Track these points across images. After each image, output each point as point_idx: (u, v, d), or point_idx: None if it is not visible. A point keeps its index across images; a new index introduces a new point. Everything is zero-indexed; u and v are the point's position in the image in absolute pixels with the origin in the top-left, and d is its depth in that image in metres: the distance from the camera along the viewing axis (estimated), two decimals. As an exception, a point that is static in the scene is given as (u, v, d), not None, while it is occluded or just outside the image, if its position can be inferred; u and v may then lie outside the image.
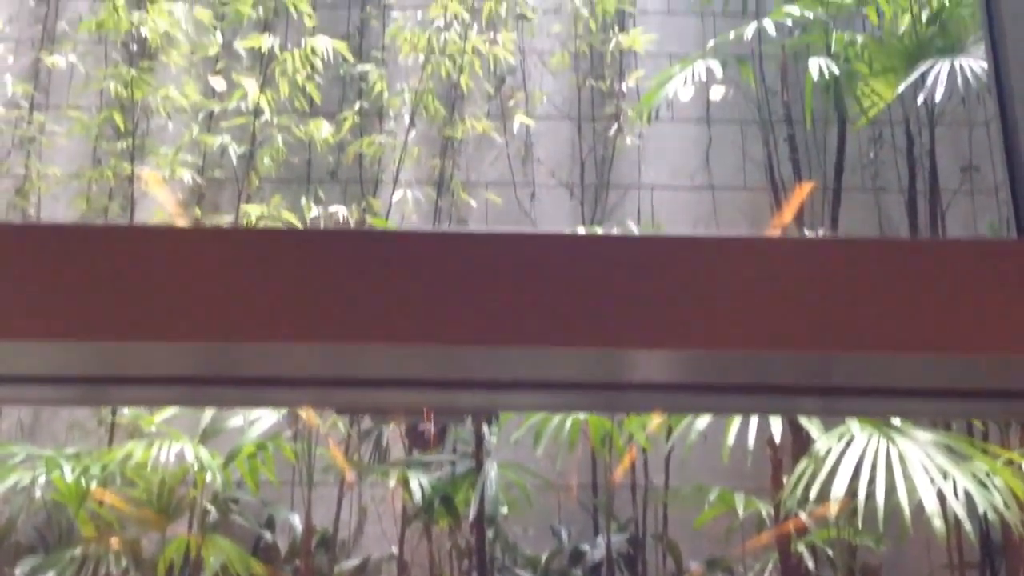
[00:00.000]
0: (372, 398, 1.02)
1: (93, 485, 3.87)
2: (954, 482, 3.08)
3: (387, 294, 0.81)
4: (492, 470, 3.91)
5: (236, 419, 3.85)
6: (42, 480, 3.81)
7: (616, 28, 5.37)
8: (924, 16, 4.56)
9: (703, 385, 0.98)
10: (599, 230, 4.28)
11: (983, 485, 3.13)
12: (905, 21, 4.65)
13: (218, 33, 5.14)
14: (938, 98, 4.01)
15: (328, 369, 0.92)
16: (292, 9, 5.12)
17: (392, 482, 4.23)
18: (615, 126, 5.28)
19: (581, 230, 4.23)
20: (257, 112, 4.95)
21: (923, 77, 4.09)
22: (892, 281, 0.82)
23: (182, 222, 5.02)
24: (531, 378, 0.95)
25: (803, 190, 5.02)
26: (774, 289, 0.82)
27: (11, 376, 0.90)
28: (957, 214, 4.87)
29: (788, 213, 5.00)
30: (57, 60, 4.97)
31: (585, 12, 5.39)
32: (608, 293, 0.82)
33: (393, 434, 4.37)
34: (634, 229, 4.36)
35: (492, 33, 5.20)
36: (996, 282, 0.82)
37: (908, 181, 4.71)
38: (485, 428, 3.91)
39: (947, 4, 4.46)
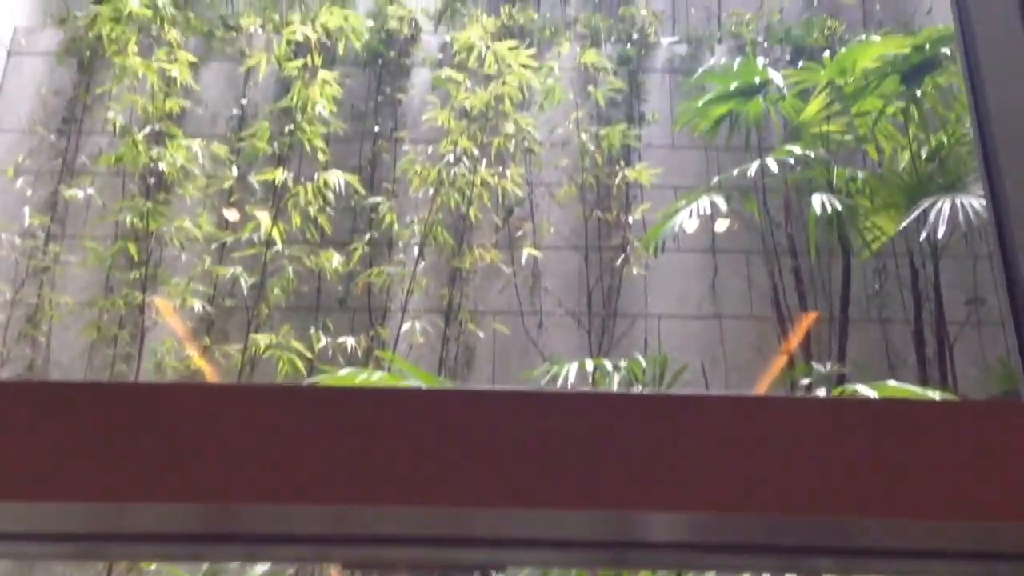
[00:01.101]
0: (380, 554, 0.99)
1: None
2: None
3: (393, 454, 0.80)
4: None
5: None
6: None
7: (622, 162, 5.50)
8: (923, 153, 4.66)
9: (714, 545, 0.96)
10: (607, 362, 4.27)
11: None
12: (905, 158, 4.75)
13: (234, 167, 5.27)
14: (940, 235, 4.06)
15: (333, 527, 0.91)
16: (306, 144, 5.26)
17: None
18: (622, 257, 5.34)
19: (589, 363, 4.21)
20: (269, 243, 5.03)
21: (925, 213, 4.15)
22: (905, 444, 0.81)
23: (191, 351, 5.03)
24: (539, 536, 0.93)
25: (809, 320, 5.02)
26: (784, 450, 0.82)
27: (6, 533, 0.89)
28: (965, 347, 4.86)
29: (794, 343, 5.00)
30: (75, 193, 5.09)
31: (591, 146, 5.53)
32: (616, 453, 0.81)
33: None
34: (641, 361, 4.34)
35: (500, 167, 5.32)
36: (1011, 445, 0.81)
37: (914, 313, 4.72)
38: None
39: (945, 142, 4.57)
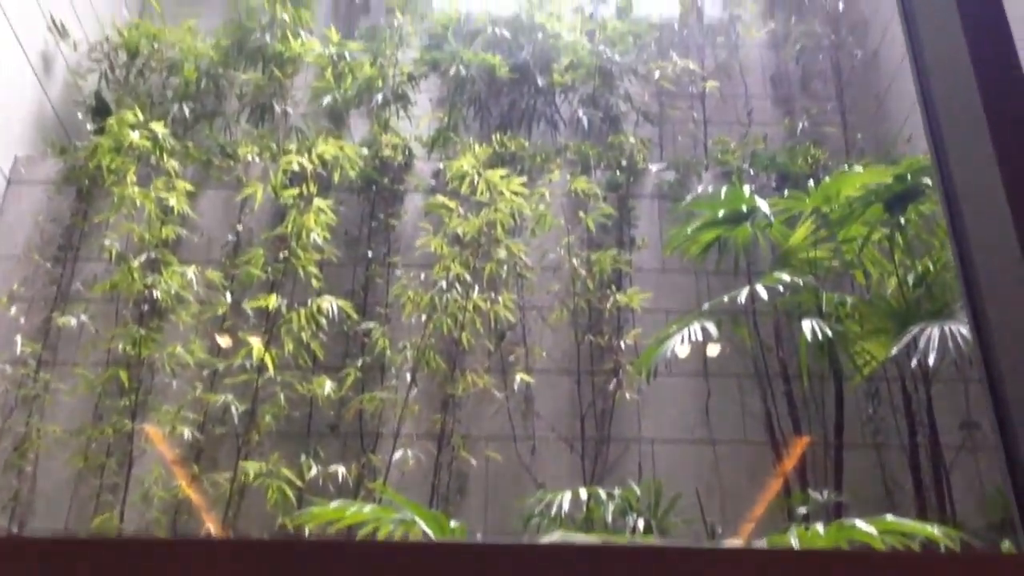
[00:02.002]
0: None
1: None
2: None
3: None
4: None
5: None
6: None
7: (613, 286, 5.55)
8: (910, 279, 4.73)
9: None
10: (601, 491, 4.22)
11: None
12: (892, 283, 4.81)
13: (227, 293, 5.30)
14: (931, 362, 4.08)
15: None
16: (300, 270, 5.31)
17: None
18: (614, 381, 5.34)
19: (583, 492, 4.17)
20: (261, 369, 5.02)
21: (915, 339, 4.18)
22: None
23: (180, 480, 4.96)
24: None
25: (802, 444, 5.00)
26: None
27: None
28: (961, 472, 4.83)
29: (789, 468, 4.96)
30: (68, 320, 5.10)
31: (583, 271, 5.59)
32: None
33: None
34: (636, 489, 4.30)
35: (493, 292, 5.37)
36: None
37: (909, 438, 4.70)
38: None
39: (931, 268, 4.63)
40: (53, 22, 6.01)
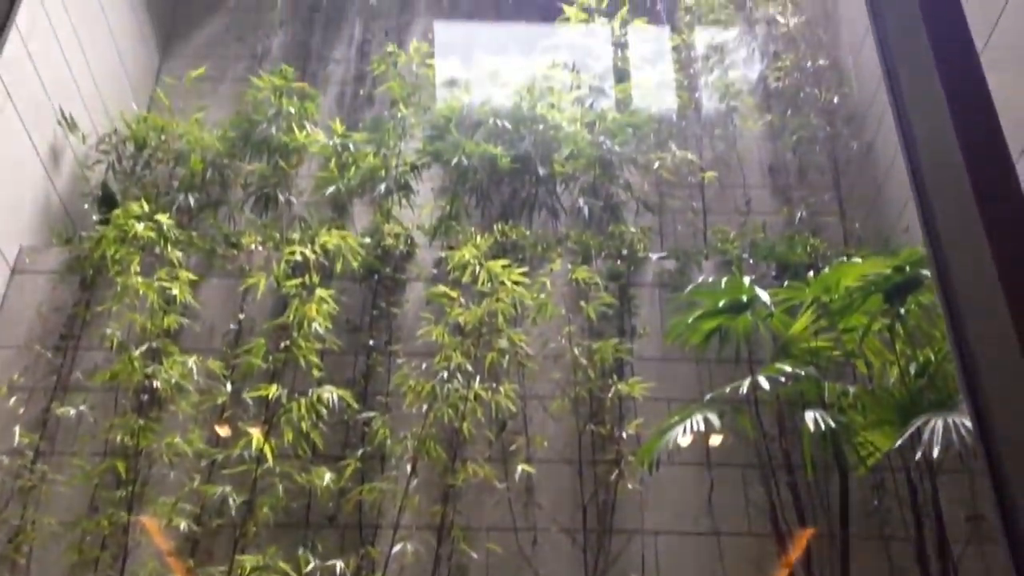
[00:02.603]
0: None
1: None
2: None
3: None
4: None
5: None
6: None
7: (614, 376, 5.54)
8: (912, 369, 4.72)
9: None
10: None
11: None
12: (894, 373, 4.80)
13: (228, 383, 5.29)
14: (935, 454, 4.04)
15: None
16: (301, 360, 5.31)
17: None
18: (616, 471, 5.29)
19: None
20: (260, 460, 4.97)
21: (919, 431, 4.15)
22: None
23: (175, 572, 4.88)
24: None
25: (807, 536, 4.92)
26: None
27: None
28: (969, 565, 4.74)
29: (794, 561, 4.87)
30: (67, 410, 5.08)
31: (584, 360, 5.58)
32: None
33: None
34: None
35: (494, 383, 5.35)
36: None
37: (915, 531, 4.63)
38: None
39: (933, 359, 4.63)
40: (63, 115, 6.13)
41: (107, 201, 6.20)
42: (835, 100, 7.35)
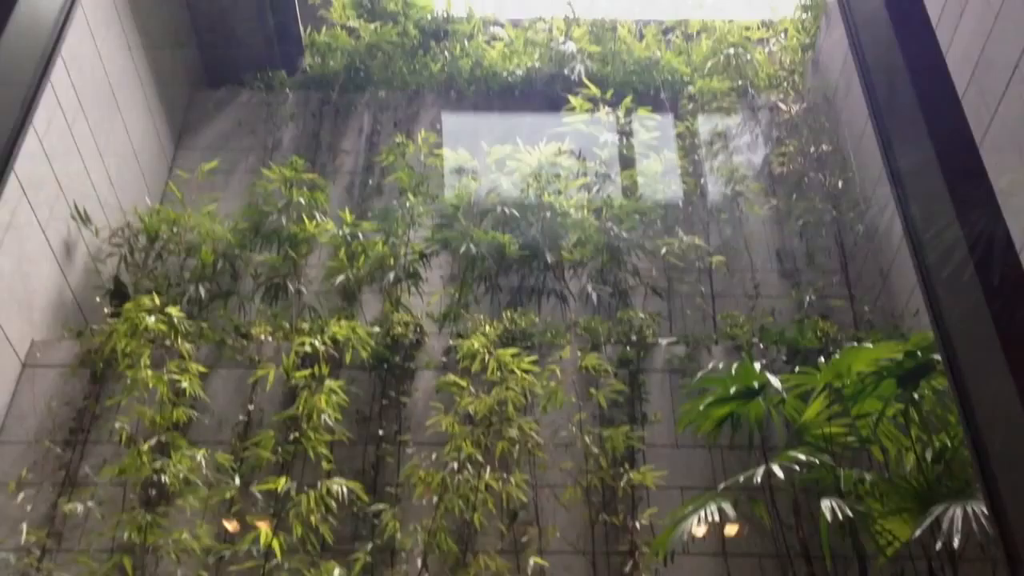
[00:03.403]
0: None
1: None
2: None
3: None
4: None
5: None
6: None
7: (626, 464, 5.48)
8: (928, 455, 4.66)
9: None
10: None
11: None
12: (910, 460, 4.74)
13: (236, 476, 5.24)
14: (956, 544, 3.96)
15: None
16: (310, 451, 5.27)
17: None
18: (631, 562, 5.19)
19: None
20: (268, 555, 4.90)
21: (938, 520, 4.08)
22: None
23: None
24: None
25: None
26: None
27: None
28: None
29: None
30: (75, 507, 5.03)
31: (595, 448, 5.53)
32: None
33: None
34: None
35: (504, 472, 5.30)
36: None
37: (940, 624, 4.52)
38: None
39: (949, 444, 4.57)
40: (76, 210, 6.21)
41: (119, 294, 6.24)
42: (839, 184, 7.42)
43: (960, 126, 3.05)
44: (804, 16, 8.29)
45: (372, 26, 8.55)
